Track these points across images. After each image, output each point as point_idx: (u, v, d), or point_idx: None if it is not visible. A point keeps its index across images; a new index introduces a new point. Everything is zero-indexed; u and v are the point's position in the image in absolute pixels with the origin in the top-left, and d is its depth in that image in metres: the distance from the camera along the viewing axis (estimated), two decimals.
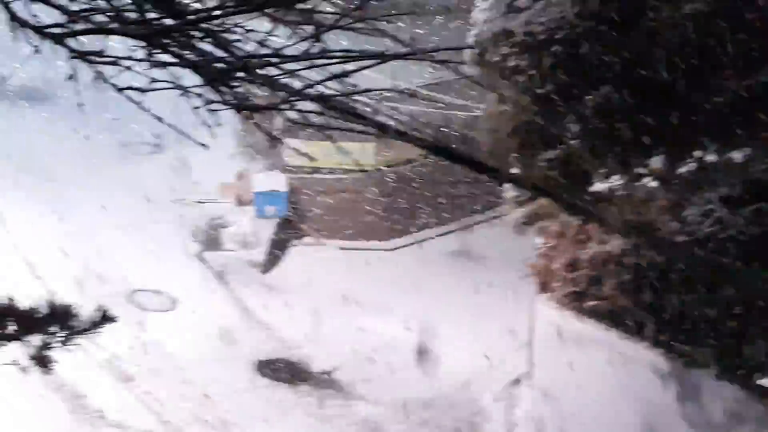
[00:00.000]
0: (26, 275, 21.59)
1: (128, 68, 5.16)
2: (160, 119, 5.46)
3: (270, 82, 5.20)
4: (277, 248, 24.64)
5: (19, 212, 24.03)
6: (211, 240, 24.91)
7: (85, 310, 6.66)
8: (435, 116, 22.60)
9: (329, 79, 5.29)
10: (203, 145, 5.48)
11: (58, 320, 6.43)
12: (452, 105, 23.04)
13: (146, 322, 21.06)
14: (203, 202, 26.18)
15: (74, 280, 21.68)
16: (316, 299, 22.75)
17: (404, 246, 25.61)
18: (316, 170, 25.55)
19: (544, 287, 15.53)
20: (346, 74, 5.29)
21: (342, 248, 25.19)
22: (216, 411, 18.78)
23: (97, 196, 25.29)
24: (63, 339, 6.49)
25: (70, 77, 5.07)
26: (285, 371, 20.33)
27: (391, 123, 6.45)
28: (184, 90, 5.17)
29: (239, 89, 5.20)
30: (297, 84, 5.28)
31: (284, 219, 25.18)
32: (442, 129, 21.74)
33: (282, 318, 21.95)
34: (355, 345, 21.15)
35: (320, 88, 5.25)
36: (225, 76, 5.13)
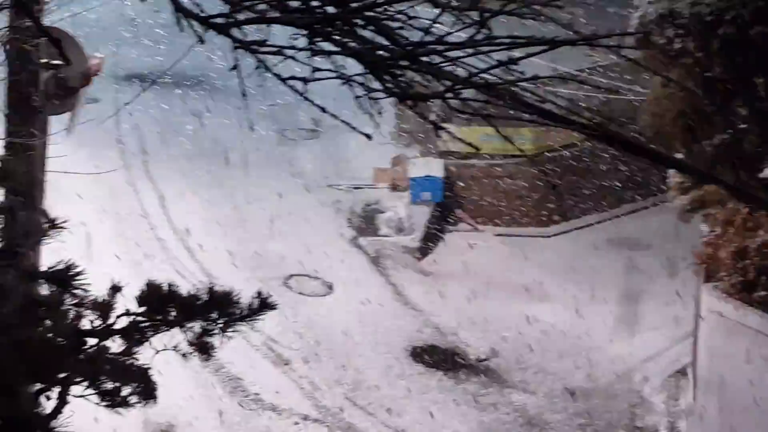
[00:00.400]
0: (186, 259, 22.00)
1: (291, 57, 5.08)
2: (323, 109, 5.35)
3: (434, 71, 5.04)
4: (433, 234, 24.54)
5: (180, 197, 24.50)
6: (366, 225, 24.96)
7: (245, 297, 6.65)
8: (595, 101, 22.14)
9: (496, 66, 5.11)
10: (368, 136, 5.35)
11: (218, 307, 6.43)
12: (613, 89, 22.56)
13: (302, 306, 21.23)
14: (359, 188, 26.24)
15: (232, 264, 22.02)
16: (472, 286, 22.59)
17: (563, 232, 25.23)
18: (473, 156, 25.29)
19: (710, 276, 15.05)
20: (513, 61, 5.10)
21: (498, 234, 24.95)
22: (371, 396, 18.83)
23: (256, 181, 25.61)
24: (222, 326, 6.48)
25: (234, 68, 5.02)
26: (441, 358, 20.23)
27: (553, 108, 6.24)
28: (347, 79, 5.05)
29: (402, 78, 5.06)
30: (460, 71, 5.13)
31: (440, 205, 25.05)
32: (602, 114, 21.28)
33: (438, 304, 21.85)
34: (511, 333, 20.95)
35: (484, 75, 5.08)
36: (388, 65, 5.00)
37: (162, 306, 6.35)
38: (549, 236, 25.05)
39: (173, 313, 6.36)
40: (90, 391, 6.40)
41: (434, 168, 25.09)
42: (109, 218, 23.07)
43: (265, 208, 24.53)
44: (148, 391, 6.47)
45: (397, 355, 20.17)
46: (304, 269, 22.60)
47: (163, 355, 6.65)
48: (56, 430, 6.23)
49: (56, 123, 13.80)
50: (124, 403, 6.46)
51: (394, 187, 25.87)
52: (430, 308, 21.77)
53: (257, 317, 6.51)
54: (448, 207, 25.20)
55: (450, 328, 21.18)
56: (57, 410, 6.42)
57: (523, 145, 25.04)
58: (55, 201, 13.90)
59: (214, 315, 6.44)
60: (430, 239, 24.39)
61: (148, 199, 24.40)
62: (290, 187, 25.75)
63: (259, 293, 6.52)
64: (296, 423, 18.06)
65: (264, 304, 6.49)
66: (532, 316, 21.38)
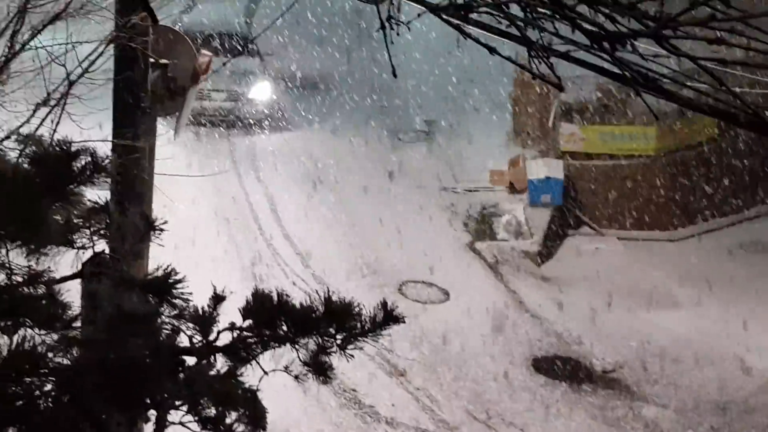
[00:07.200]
0: (296, 265, 21.32)
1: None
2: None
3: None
4: (553, 238, 23.49)
5: (290, 201, 23.86)
6: (483, 230, 24.02)
7: (366, 309, 5.75)
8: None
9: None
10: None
11: (336, 320, 5.54)
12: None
13: (417, 314, 20.39)
14: (475, 191, 25.32)
15: (345, 270, 21.30)
16: (595, 292, 21.52)
17: (690, 236, 23.94)
18: (594, 156, 24.22)
19: None
20: None
21: (622, 238, 23.80)
22: (492, 409, 17.89)
23: (367, 184, 24.85)
24: (341, 342, 5.60)
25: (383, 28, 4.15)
26: (564, 369, 19.18)
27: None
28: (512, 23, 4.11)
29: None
30: None
31: (560, 207, 23.98)
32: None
33: (559, 312, 20.81)
34: (639, 342, 19.81)
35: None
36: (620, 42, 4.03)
37: (271, 319, 5.49)
38: (676, 240, 23.80)
39: (284, 328, 5.51)
40: (190, 417, 5.59)
41: (554, 169, 24.01)
42: (218, 222, 22.51)
43: (378, 212, 23.76)
44: (256, 418, 5.62)
45: (518, 366, 19.19)
46: (419, 275, 21.75)
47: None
48: None
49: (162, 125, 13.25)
50: (230, 430, 5.62)
51: (512, 190, 24.89)
52: (551, 316, 20.74)
53: (381, 332, 5.60)
54: (568, 210, 24.11)
55: (573, 337, 20.14)
56: None
57: (647, 145, 23.97)
58: (161, 205, 13.34)
59: (332, 330, 5.56)
60: (551, 244, 23.33)
61: (258, 203, 23.80)
62: (403, 191, 24.98)
63: (384, 304, 5.61)
64: None
65: (389, 317, 5.58)
66: (660, 325, 20.23)
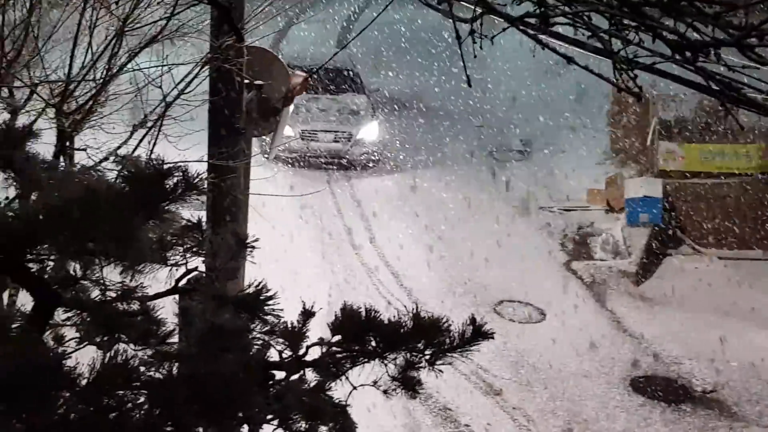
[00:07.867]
0: (391, 284, 21.36)
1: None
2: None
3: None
4: (652, 258, 23.17)
5: (385, 223, 23.94)
6: (580, 249, 23.83)
7: (456, 324, 5.75)
8: None
9: None
10: None
11: (425, 335, 5.54)
12: None
13: (513, 334, 20.25)
14: (572, 210, 25.13)
15: (437, 290, 21.27)
16: (694, 312, 21.16)
17: None
18: (694, 175, 23.88)
19: None
20: None
21: (722, 258, 23.39)
22: (589, 429, 17.67)
23: (463, 204, 24.82)
24: (430, 357, 5.60)
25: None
26: (663, 389, 18.88)
27: None
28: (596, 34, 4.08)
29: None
30: None
31: (658, 227, 23.67)
32: None
33: (658, 331, 20.50)
34: (739, 362, 19.42)
35: None
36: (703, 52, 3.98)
37: (360, 335, 5.52)
38: None
39: (373, 343, 5.52)
40: (281, 431, 5.62)
41: (652, 188, 23.74)
42: (313, 241, 22.66)
43: (473, 232, 23.71)
44: (346, 431, 5.64)
45: (615, 385, 18.94)
46: (515, 295, 21.64)
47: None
48: None
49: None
50: None
51: (610, 209, 24.67)
52: (649, 336, 20.44)
53: (470, 348, 5.58)
54: (667, 229, 23.79)
55: (672, 357, 19.82)
56: None
57: (749, 163, 23.59)
58: (257, 224, 13.49)
59: (420, 345, 5.56)
60: (649, 263, 23.02)
61: (353, 222, 23.91)
62: (499, 210, 24.91)
63: (473, 320, 5.59)
64: None
65: (478, 333, 5.57)
66: (762, 345, 19.80)
